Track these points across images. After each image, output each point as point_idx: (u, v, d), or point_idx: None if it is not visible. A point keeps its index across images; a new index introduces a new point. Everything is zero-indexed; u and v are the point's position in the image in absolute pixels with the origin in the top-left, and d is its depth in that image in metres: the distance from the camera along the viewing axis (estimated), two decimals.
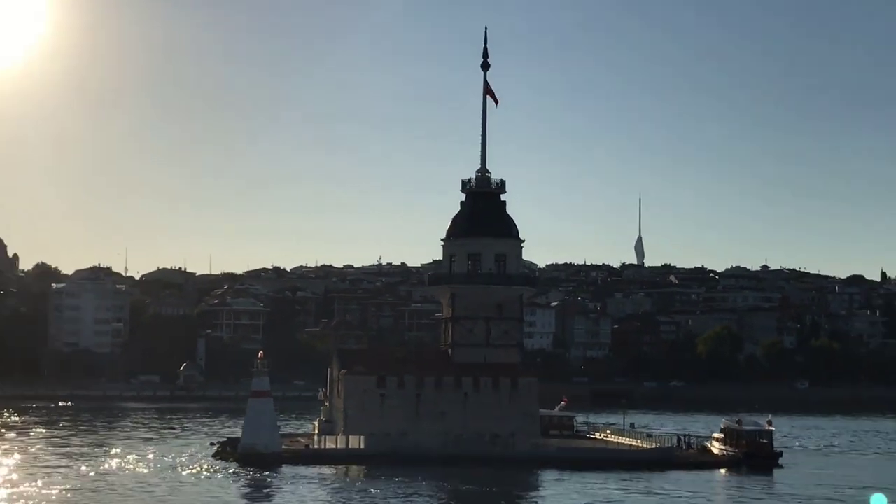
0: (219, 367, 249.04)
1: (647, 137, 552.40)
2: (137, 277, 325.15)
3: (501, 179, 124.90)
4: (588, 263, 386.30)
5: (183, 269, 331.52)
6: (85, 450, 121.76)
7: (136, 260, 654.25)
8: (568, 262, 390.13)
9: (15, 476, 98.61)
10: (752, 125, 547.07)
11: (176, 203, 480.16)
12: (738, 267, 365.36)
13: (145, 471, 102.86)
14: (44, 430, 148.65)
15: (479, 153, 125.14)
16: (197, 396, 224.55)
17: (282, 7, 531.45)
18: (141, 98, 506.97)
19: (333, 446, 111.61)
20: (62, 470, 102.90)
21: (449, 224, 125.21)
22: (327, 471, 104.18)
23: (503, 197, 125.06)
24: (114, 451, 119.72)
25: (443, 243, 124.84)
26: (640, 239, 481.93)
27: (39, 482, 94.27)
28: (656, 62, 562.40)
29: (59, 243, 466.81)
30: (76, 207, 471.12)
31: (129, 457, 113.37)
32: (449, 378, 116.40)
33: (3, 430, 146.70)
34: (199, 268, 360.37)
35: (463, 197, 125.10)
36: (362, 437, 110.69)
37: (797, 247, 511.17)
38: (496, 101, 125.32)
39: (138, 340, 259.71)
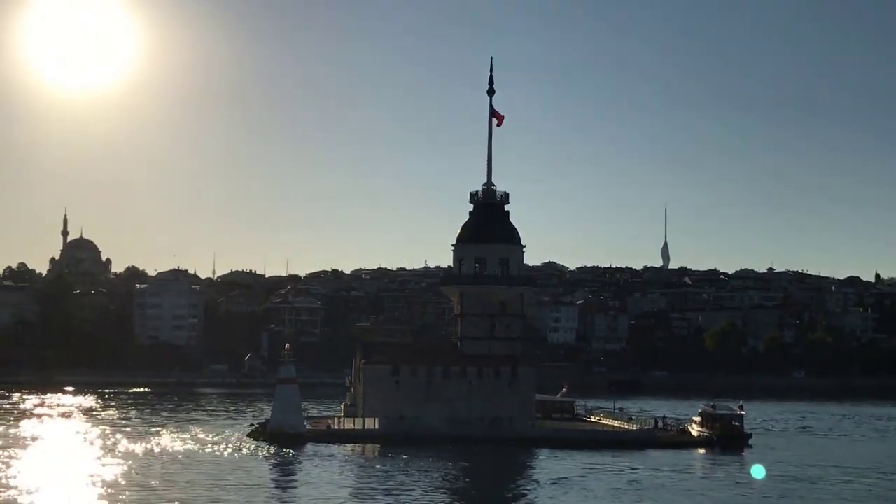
0: (280, 357, 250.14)
1: (672, 153, 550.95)
2: (215, 278, 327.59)
3: (505, 192, 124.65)
4: (613, 266, 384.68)
5: (253, 272, 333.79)
6: (141, 429, 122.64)
7: (221, 263, 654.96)
8: (596, 265, 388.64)
9: (69, 454, 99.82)
10: (763, 141, 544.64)
11: (256, 213, 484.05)
12: (747, 269, 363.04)
13: (182, 447, 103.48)
14: (115, 413, 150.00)
15: (486, 168, 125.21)
16: (259, 383, 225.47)
17: (341, 43, 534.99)
18: (225, 117, 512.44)
19: (351, 427, 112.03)
20: (114, 447, 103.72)
21: (459, 231, 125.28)
22: (343, 449, 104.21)
23: (507, 207, 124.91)
24: (165, 430, 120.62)
25: (453, 248, 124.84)
26: (665, 244, 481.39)
27: (87, 459, 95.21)
28: (676, 81, 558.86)
29: (151, 249, 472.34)
30: (167, 216, 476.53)
31: (174, 435, 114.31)
32: (455, 368, 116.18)
33: (77, 412, 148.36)
34: (278, 270, 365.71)
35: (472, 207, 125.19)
36: (376, 419, 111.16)
37: (801, 251, 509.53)
38: (499, 123, 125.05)
39: (211, 334, 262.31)
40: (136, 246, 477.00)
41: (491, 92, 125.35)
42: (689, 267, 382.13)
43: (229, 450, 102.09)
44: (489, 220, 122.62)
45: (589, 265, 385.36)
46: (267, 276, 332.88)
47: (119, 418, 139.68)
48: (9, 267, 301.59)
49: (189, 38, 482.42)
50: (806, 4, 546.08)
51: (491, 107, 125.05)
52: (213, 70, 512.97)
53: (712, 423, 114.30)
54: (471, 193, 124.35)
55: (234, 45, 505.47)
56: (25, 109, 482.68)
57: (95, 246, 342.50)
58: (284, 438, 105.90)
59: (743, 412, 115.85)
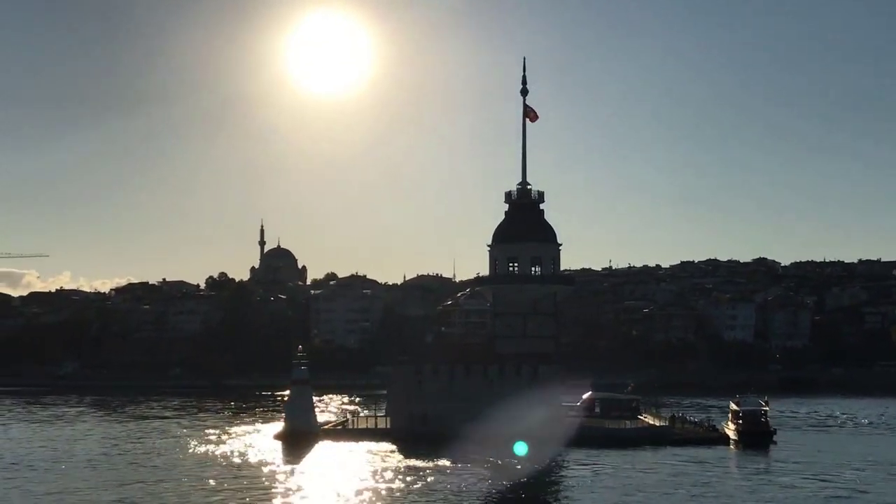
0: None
1: None
2: (404, 282, 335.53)
3: (540, 191, 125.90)
4: (826, 261, 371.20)
5: (440, 275, 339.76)
6: (205, 431, 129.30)
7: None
8: (810, 260, 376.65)
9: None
10: None
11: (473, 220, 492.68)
12: None
13: (207, 447, 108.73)
14: (225, 414, 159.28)
15: (521, 168, 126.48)
16: None
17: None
18: (431, 128, 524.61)
19: (364, 426, 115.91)
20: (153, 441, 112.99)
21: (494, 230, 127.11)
22: (354, 445, 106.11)
23: (542, 206, 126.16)
24: (224, 431, 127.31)
25: (489, 248, 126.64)
26: None
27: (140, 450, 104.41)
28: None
29: (358, 255, 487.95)
30: (377, 223, 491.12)
31: (222, 436, 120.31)
32: (477, 367, 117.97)
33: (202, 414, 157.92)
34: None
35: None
36: (388, 418, 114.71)
37: None
38: (532, 120, 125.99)
39: (385, 337, 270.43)
40: (339, 254, 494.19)
41: (524, 91, 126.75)
42: None
43: (240, 450, 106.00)
44: (522, 219, 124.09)
45: (804, 260, 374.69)
46: (450, 279, 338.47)
47: (221, 420, 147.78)
48: (210, 276, 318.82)
49: (409, 54, 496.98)
50: None
51: (525, 105, 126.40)
52: (434, 83, 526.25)
53: (737, 419, 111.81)
54: (506, 193, 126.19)
55: (459, 59, 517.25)
56: (258, 121, 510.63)
57: (292, 254, 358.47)
58: (297, 437, 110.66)
59: (767, 408, 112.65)
